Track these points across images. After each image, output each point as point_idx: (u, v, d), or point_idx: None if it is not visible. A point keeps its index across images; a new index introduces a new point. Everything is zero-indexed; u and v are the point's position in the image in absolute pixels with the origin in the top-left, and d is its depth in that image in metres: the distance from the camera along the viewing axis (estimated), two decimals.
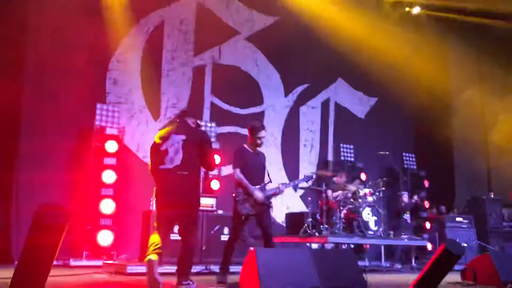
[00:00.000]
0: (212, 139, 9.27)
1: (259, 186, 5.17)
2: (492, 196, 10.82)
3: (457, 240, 8.79)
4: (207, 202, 7.35)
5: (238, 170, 5.12)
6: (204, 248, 6.87)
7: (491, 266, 4.94)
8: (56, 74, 8.25)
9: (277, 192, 5.31)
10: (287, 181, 10.63)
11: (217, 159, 9.16)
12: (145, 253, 6.50)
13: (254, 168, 5.24)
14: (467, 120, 12.81)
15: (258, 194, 5.07)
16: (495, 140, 12.89)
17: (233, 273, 5.27)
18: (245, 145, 5.40)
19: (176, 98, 9.71)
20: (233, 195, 5.17)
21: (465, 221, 9.63)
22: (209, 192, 8.49)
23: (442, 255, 2.54)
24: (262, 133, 5.33)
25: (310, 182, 6.01)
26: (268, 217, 5.32)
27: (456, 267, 4.02)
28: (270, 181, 5.42)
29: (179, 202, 4.26)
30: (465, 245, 8.85)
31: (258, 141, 5.31)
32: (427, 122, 12.57)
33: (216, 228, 6.90)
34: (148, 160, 9.02)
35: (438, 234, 9.47)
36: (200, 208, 7.08)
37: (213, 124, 9.43)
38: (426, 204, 11.34)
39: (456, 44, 12.57)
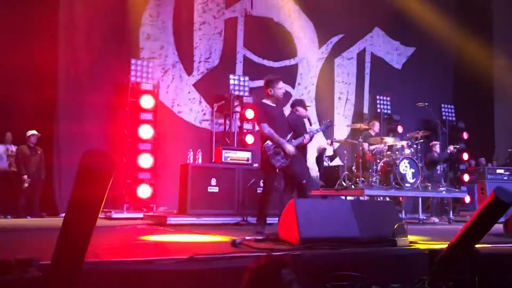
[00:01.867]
0: (246, 94, 9.24)
1: (287, 139, 5.11)
2: None
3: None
4: (242, 155, 7.38)
5: (266, 125, 4.99)
6: (241, 200, 6.97)
7: None
8: (89, 30, 8.27)
9: (304, 142, 5.30)
10: (322, 134, 10.64)
11: (251, 113, 9.16)
12: (184, 205, 6.71)
13: (278, 121, 5.15)
14: (508, 70, 12.23)
15: (289, 147, 5.01)
16: None
17: (270, 224, 5.35)
18: (264, 100, 5.24)
19: (208, 52, 9.63)
20: (262, 149, 5.13)
21: (506, 173, 9.38)
22: (244, 146, 8.55)
23: (492, 203, 2.47)
24: (280, 85, 5.20)
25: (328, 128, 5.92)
26: (301, 168, 5.29)
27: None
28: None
29: None
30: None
31: (278, 94, 5.18)
32: (467, 72, 12.11)
33: (252, 181, 6.95)
34: (183, 114, 9.18)
35: (477, 186, 9.29)
36: (236, 161, 7.25)
37: (247, 78, 9.34)
38: (465, 156, 11.09)
39: None
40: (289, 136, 5.17)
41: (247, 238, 4.20)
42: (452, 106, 11.63)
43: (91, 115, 8.16)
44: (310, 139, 5.45)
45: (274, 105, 5.23)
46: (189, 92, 9.37)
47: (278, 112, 5.25)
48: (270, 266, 2.04)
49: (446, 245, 3.09)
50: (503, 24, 12.27)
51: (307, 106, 6.06)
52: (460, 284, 3.07)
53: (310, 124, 6.10)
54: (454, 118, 11.56)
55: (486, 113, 12.22)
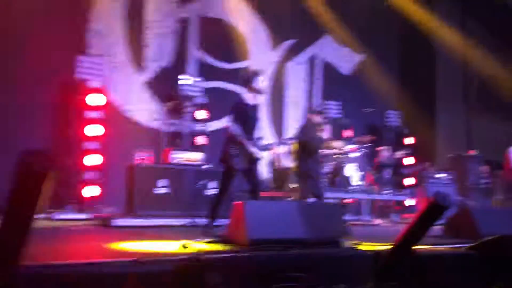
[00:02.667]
0: (198, 94, 9.17)
1: (252, 141, 5.08)
2: (474, 153, 11.02)
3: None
4: (193, 156, 7.34)
5: (237, 126, 4.95)
6: (190, 201, 6.92)
7: (471, 220, 5.08)
8: (33, 25, 7.91)
9: (271, 148, 5.34)
10: (273, 137, 10.73)
11: (204, 114, 9.11)
12: (132, 206, 6.56)
13: (252, 122, 5.12)
14: (449, 80, 12.89)
15: (256, 152, 4.99)
16: (476, 100, 13.06)
17: (217, 226, 5.33)
18: (244, 98, 5.20)
19: (160, 51, 9.49)
20: (226, 150, 5.07)
21: (446, 177, 9.82)
22: (195, 147, 8.48)
23: (431, 206, 2.58)
24: (259, 80, 5.14)
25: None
26: (257, 173, 5.32)
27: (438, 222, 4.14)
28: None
29: None
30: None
31: (258, 89, 5.13)
32: (412, 80, 12.65)
33: (202, 182, 6.92)
34: (132, 114, 8.98)
35: (419, 189, 9.67)
36: (187, 162, 7.19)
37: (199, 79, 9.27)
38: (408, 160, 11.53)
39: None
40: (257, 136, 5.16)
41: (195, 240, 4.17)
42: (397, 113, 12.07)
43: (37, 114, 7.82)
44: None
45: (251, 104, 5.16)
46: (139, 91, 9.19)
47: (253, 112, 5.18)
48: (192, 270, 1.97)
49: (389, 247, 3.21)
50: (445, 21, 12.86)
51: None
52: (402, 285, 3.18)
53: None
54: (399, 124, 11.99)
55: (429, 120, 12.77)
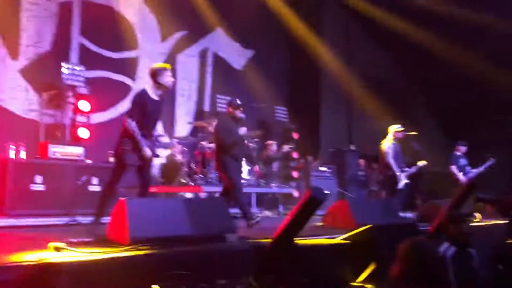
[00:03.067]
0: (81, 84, 8.62)
1: (151, 139, 4.99)
2: (352, 148, 11.85)
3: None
4: (73, 151, 6.89)
5: (132, 122, 4.73)
6: (70, 199, 6.50)
7: (348, 211, 5.47)
8: None
9: (170, 147, 5.24)
10: (163, 130, 10.51)
11: (87, 105, 8.59)
12: (2, 204, 5.99)
13: (152, 118, 4.94)
14: (334, 81, 13.72)
15: (148, 151, 4.80)
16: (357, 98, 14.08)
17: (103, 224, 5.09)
18: (146, 90, 4.93)
19: (38, 36, 8.74)
20: (119, 144, 4.85)
21: (327, 170, 10.44)
22: (76, 141, 7.97)
23: (308, 200, 2.71)
24: (168, 73, 5.00)
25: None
26: (149, 171, 5.18)
27: (318, 212, 4.39)
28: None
29: None
30: (328, 192, 9.65)
31: (163, 85, 4.95)
32: (300, 78, 13.24)
33: (83, 178, 6.54)
34: (4, 103, 8.18)
35: (303, 182, 10.16)
36: (66, 157, 6.73)
37: (82, 68, 8.71)
38: (295, 154, 12.04)
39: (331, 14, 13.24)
40: (156, 133, 5.08)
41: (73, 240, 3.92)
42: (285, 108, 12.53)
43: None
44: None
45: (155, 97, 4.93)
46: (13, 79, 8.38)
47: (155, 107, 4.94)
48: (40, 276, 1.82)
49: (269, 240, 3.30)
50: (331, 29, 13.66)
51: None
52: (281, 277, 3.29)
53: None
54: (286, 120, 12.45)
55: (314, 116, 13.47)
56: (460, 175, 8.93)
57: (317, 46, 13.16)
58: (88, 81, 8.83)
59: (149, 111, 4.84)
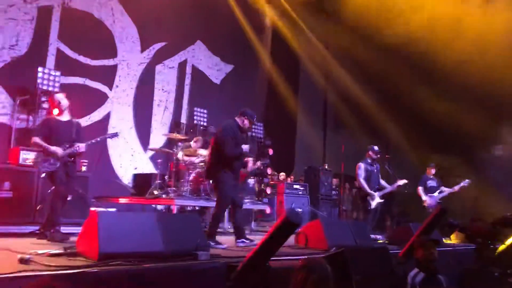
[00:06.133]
0: (56, 90, 8.47)
1: (60, 147, 5.45)
2: (326, 167, 11.95)
3: (293, 205, 9.64)
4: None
5: (35, 138, 5.44)
6: (39, 207, 6.33)
7: (321, 231, 5.48)
8: None
9: (77, 150, 5.54)
10: (137, 141, 10.39)
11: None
12: None
13: (60, 136, 5.50)
14: (311, 98, 13.90)
15: (56, 150, 5.39)
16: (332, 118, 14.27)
17: (73, 234, 4.98)
18: (54, 115, 5.65)
19: (15, 39, 8.56)
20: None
21: (301, 188, 10.48)
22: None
23: (283, 223, 2.71)
24: (58, 97, 5.69)
25: (114, 139, 6.22)
26: (62, 175, 5.41)
27: None
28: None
29: None
30: (300, 210, 9.68)
31: (59, 106, 5.63)
32: (277, 94, 13.34)
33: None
34: None
35: (277, 198, 10.17)
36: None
37: (58, 73, 8.56)
38: (269, 170, 12.06)
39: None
40: (67, 145, 5.50)
41: (39, 252, 3.81)
42: (261, 124, 12.57)
43: None
44: (83, 148, 5.61)
45: (61, 117, 5.61)
46: None
47: (62, 127, 5.55)
48: None
49: (242, 259, 3.28)
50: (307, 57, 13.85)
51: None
52: None
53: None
54: (262, 135, 12.49)
55: (290, 134, 13.58)
56: (425, 197, 9.11)
57: (296, 66, 13.38)
58: (63, 87, 8.69)
59: (55, 131, 5.51)
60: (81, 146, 5.53)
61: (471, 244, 6.66)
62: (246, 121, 5.76)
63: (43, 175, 5.57)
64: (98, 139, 6.00)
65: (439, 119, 11.51)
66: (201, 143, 8.96)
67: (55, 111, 5.66)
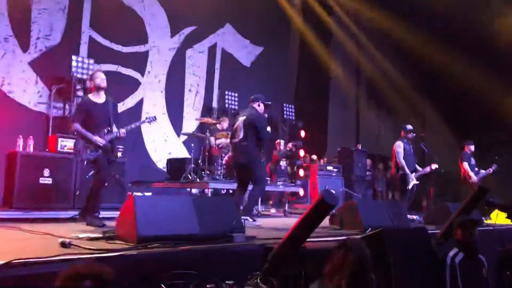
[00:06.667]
0: (88, 77, 8.63)
1: (98, 134, 5.27)
2: (359, 147, 11.79)
3: (327, 187, 9.57)
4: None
5: (75, 125, 5.26)
6: (77, 193, 6.51)
7: (356, 212, 5.42)
8: None
9: (118, 136, 5.38)
10: (170, 126, 10.50)
11: None
12: (11, 197, 6.00)
13: (98, 119, 5.31)
14: (342, 80, 13.66)
15: (97, 138, 5.21)
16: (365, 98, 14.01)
17: (111, 218, 5.10)
18: (90, 96, 5.42)
19: (49, 29, 8.75)
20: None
21: (334, 169, 10.38)
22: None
23: (318, 204, 2.67)
24: (97, 76, 5.39)
25: (153, 123, 6.07)
26: (104, 162, 5.31)
27: None
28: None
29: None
30: (334, 191, 9.60)
31: (98, 86, 5.34)
32: (308, 76, 13.19)
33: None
34: (14, 95, 8.19)
35: (310, 180, 10.11)
36: (70, 150, 6.77)
37: (91, 61, 8.71)
38: (302, 152, 12.00)
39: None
40: (106, 131, 5.31)
41: (80, 236, 3.91)
42: (293, 106, 12.48)
43: None
44: (124, 134, 5.46)
45: (98, 101, 5.34)
46: (23, 71, 8.39)
47: (100, 109, 5.34)
48: (72, 283, 1.81)
49: (278, 241, 3.27)
50: (338, 34, 13.61)
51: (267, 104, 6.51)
52: (288, 279, 3.27)
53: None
54: (294, 118, 12.40)
55: (322, 115, 13.43)
56: (472, 174, 8.77)
57: (326, 49, 13.18)
58: None
59: (93, 114, 5.29)
60: (121, 132, 5.37)
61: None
62: (261, 105, 6.36)
63: (85, 162, 5.51)
64: (137, 123, 5.94)
65: (476, 97, 11.12)
66: (227, 124, 9.01)
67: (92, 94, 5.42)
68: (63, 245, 3.31)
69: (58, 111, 8.67)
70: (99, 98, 5.38)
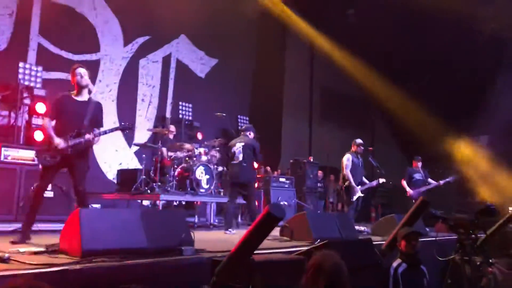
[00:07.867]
0: (38, 85, 8.36)
1: (64, 135, 4.69)
2: (311, 159, 11.99)
3: (279, 199, 9.66)
4: (27, 155, 6.63)
5: (47, 120, 4.81)
6: (21, 204, 6.26)
7: (306, 224, 5.51)
8: None
9: (84, 141, 4.74)
10: (121, 136, 10.31)
11: (43, 107, 8.32)
12: None
13: (71, 118, 4.77)
14: (296, 91, 13.92)
15: (57, 141, 4.61)
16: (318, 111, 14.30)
17: (56, 231, 4.92)
18: (71, 92, 4.91)
19: None
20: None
21: (287, 181, 10.50)
22: (31, 144, 7.68)
23: (266, 217, 2.71)
24: (76, 73, 4.84)
25: (127, 132, 5.70)
26: (80, 172, 4.81)
27: None
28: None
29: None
30: (286, 203, 9.71)
31: (78, 83, 4.83)
32: (262, 88, 13.34)
33: (36, 184, 6.31)
34: None
35: (263, 192, 10.17)
36: (18, 161, 6.48)
37: (39, 68, 8.45)
38: (255, 164, 12.06)
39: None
40: (74, 133, 4.71)
41: (21, 250, 3.77)
42: (247, 118, 12.55)
43: None
44: (97, 139, 4.91)
45: (78, 97, 4.83)
46: None
47: (78, 107, 4.80)
48: None
49: (226, 253, 3.28)
50: (292, 50, 13.87)
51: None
52: None
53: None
54: None
55: (276, 127, 13.59)
56: (409, 189, 9.20)
57: (282, 59, 13.37)
58: (45, 83, 8.57)
59: (69, 111, 4.78)
60: (91, 136, 4.72)
61: (453, 235, 6.74)
62: (252, 134, 7.55)
63: (40, 166, 4.92)
64: (113, 129, 5.27)
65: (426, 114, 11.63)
66: (174, 132, 9.03)
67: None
68: (1, 260, 3.18)
69: (3, 119, 8.32)
70: (81, 96, 4.88)
